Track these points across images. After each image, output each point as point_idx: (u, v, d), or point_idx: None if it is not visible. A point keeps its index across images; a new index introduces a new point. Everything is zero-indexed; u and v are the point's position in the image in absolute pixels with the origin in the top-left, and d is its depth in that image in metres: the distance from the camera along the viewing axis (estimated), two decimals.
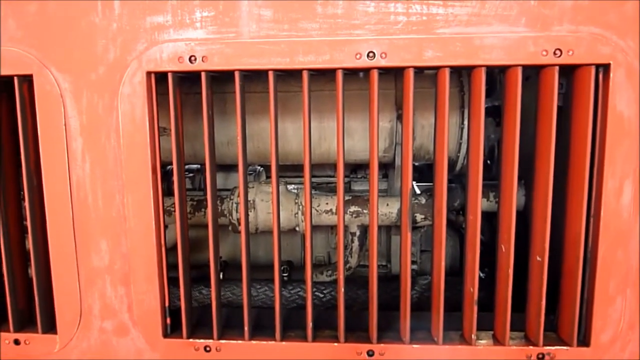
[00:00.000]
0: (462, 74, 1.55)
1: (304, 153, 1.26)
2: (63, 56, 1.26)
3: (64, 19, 1.25)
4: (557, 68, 1.14)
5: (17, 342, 1.39)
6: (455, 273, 1.77)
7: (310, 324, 1.31)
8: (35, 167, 1.33)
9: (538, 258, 1.24)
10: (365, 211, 1.65)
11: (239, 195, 1.65)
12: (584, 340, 1.28)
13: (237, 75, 1.23)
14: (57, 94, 1.27)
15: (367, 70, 1.23)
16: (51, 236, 1.33)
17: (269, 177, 1.89)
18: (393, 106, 1.57)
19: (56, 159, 1.30)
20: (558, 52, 1.15)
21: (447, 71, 1.18)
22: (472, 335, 1.28)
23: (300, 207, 1.63)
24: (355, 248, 1.71)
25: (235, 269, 1.89)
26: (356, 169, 1.91)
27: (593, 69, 1.13)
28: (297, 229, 1.66)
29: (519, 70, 1.15)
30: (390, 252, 1.85)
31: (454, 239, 1.85)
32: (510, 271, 1.23)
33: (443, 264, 1.25)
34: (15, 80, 1.27)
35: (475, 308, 1.26)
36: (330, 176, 1.95)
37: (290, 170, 1.90)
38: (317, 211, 1.63)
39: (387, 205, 1.64)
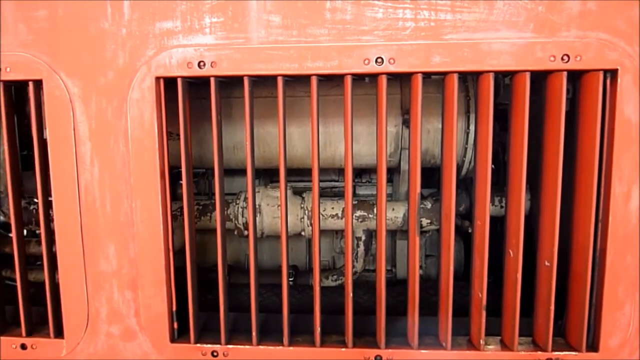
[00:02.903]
0: (467, 79, 1.56)
1: (312, 158, 1.26)
2: (73, 61, 1.27)
3: (74, 24, 1.26)
4: (565, 73, 1.15)
5: (23, 346, 1.39)
6: (460, 278, 1.77)
7: (318, 329, 1.31)
8: (44, 171, 1.34)
9: (546, 263, 1.24)
10: (370, 216, 1.65)
11: (245, 200, 1.66)
12: (593, 345, 1.28)
13: (246, 81, 1.23)
14: (67, 98, 1.28)
15: (373, 75, 1.24)
16: (59, 240, 1.34)
17: (272, 181, 1.89)
18: (398, 111, 1.57)
19: (65, 163, 1.30)
20: (566, 58, 1.15)
21: (455, 77, 1.18)
22: (481, 341, 1.28)
23: (306, 211, 1.63)
24: (360, 253, 1.71)
25: (239, 274, 1.89)
26: (361, 173, 1.92)
27: (601, 75, 1.14)
28: (302, 233, 1.66)
29: (527, 75, 1.16)
30: (396, 256, 1.85)
31: (458, 243, 1.85)
32: (519, 276, 1.23)
33: (452, 268, 1.25)
34: (31, 85, 1.28)
35: (484, 313, 1.26)
36: (335, 181, 1.95)
37: (293, 174, 1.90)
38: (323, 216, 1.63)
39: (393, 209, 1.64)
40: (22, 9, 1.27)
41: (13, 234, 1.36)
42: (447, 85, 1.23)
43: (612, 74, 1.17)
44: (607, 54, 1.15)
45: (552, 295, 1.23)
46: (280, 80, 1.23)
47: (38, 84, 1.29)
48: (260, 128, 1.58)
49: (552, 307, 1.23)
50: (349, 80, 1.21)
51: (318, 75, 1.22)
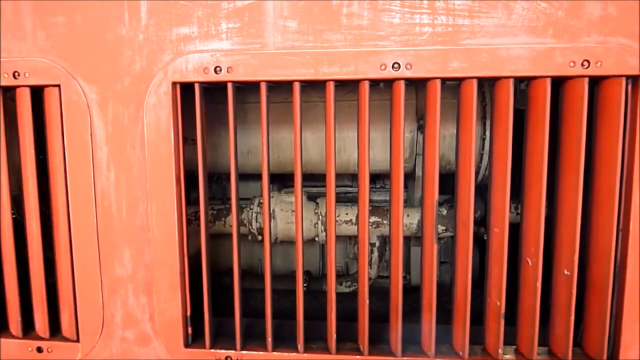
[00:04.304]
0: (483, 84, 1.54)
1: (327, 164, 1.26)
2: (90, 67, 1.28)
3: (92, 30, 1.27)
4: (586, 80, 1.13)
5: (39, 349, 1.40)
6: (473, 284, 1.74)
7: (334, 336, 1.30)
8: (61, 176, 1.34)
9: (566, 272, 1.22)
10: (385, 222, 1.64)
11: (259, 205, 1.66)
12: (612, 356, 1.25)
13: (263, 86, 1.23)
14: (84, 104, 1.29)
15: (389, 81, 1.23)
16: (75, 244, 1.34)
17: (286, 186, 1.89)
18: (414, 116, 1.56)
19: (82, 167, 1.31)
20: (586, 64, 1.14)
21: (474, 82, 1.17)
22: (499, 350, 1.26)
23: (320, 217, 1.62)
24: (374, 259, 1.70)
25: (252, 279, 1.89)
26: (374, 179, 1.91)
27: (624, 81, 1.12)
28: (316, 239, 1.66)
29: (548, 81, 1.14)
30: (410, 263, 1.84)
31: (473, 250, 1.83)
32: (539, 285, 1.21)
33: (469, 277, 1.23)
34: (56, 90, 1.29)
35: (502, 322, 1.24)
36: (349, 186, 1.94)
37: (307, 179, 1.89)
38: (337, 222, 1.63)
39: (408, 216, 1.63)
40: (41, 15, 1.28)
41: (32, 237, 1.37)
42: (465, 91, 1.22)
43: (633, 80, 1.15)
44: (628, 60, 1.13)
45: (572, 305, 1.21)
46: (297, 86, 1.22)
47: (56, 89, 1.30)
48: (274, 133, 1.58)
49: (572, 317, 1.21)
50: (366, 86, 1.20)
51: (334, 81, 1.22)
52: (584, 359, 1.27)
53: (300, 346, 1.32)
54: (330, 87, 1.22)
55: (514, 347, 1.32)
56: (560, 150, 1.23)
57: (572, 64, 1.14)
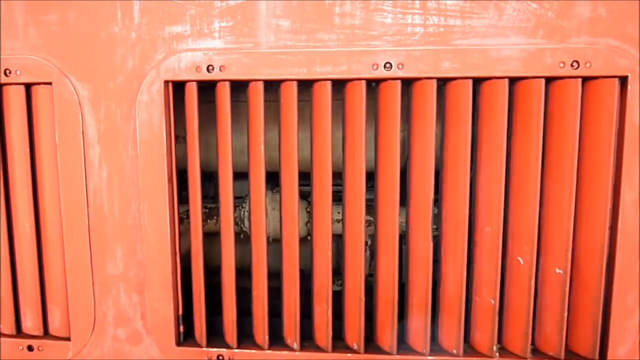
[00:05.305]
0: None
1: (322, 163, 1.26)
2: (82, 65, 1.28)
3: (84, 28, 1.27)
4: (579, 80, 1.14)
5: (30, 348, 1.40)
6: None
7: (329, 334, 1.31)
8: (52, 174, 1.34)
9: (558, 270, 1.23)
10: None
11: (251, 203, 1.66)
12: (601, 353, 1.26)
13: (260, 85, 1.23)
14: (76, 102, 1.28)
15: (380, 81, 1.24)
16: (67, 243, 1.34)
17: (278, 185, 1.89)
18: (405, 116, 1.57)
19: (73, 166, 1.31)
20: (575, 64, 1.15)
21: (469, 83, 1.18)
22: (494, 347, 1.27)
23: (312, 216, 1.62)
24: (366, 257, 1.70)
25: (243, 277, 1.89)
26: (366, 178, 1.91)
27: (616, 81, 1.13)
28: (308, 237, 1.66)
29: (542, 82, 1.15)
30: (402, 261, 1.84)
31: None
32: (532, 283, 1.23)
33: (464, 275, 1.24)
34: (49, 88, 1.28)
35: (497, 319, 1.25)
36: (340, 185, 1.94)
37: (299, 178, 1.89)
38: None
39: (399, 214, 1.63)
40: (33, 12, 1.27)
41: (24, 236, 1.37)
42: (458, 92, 1.22)
43: (622, 81, 1.16)
44: (617, 61, 1.14)
45: (566, 304, 1.22)
46: (293, 86, 1.23)
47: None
48: (266, 132, 1.58)
49: (566, 315, 1.23)
50: (362, 86, 1.21)
51: (326, 80, 1.22)
52: (571, 357, 1.28)
53: (297, 344, 1.32)
54: (327, 86, 1.22)
55: (499, 345, 1.33)
56: (549, 148, 1.24)
57: (561, 65, 1.15)
